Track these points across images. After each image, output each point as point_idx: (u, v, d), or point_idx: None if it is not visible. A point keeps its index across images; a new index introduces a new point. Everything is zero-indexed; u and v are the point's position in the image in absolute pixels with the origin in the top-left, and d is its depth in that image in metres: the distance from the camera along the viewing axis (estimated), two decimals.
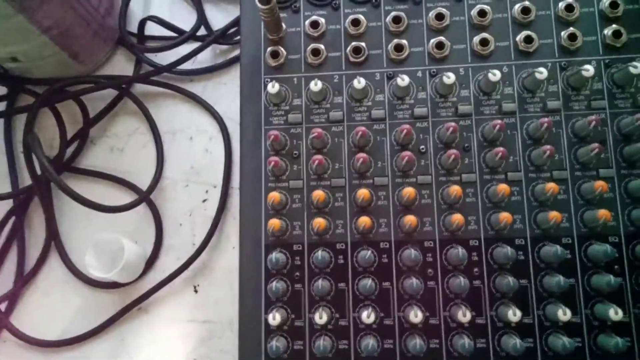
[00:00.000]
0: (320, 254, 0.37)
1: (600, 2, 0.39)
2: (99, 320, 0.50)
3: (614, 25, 0.39)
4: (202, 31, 0.57)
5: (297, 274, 0.38)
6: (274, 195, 0.38)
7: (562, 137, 0.38)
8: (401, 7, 0.41)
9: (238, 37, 0.55)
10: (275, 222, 0.37)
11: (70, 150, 0.55)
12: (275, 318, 0.36)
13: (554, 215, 0.35)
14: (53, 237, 0.52)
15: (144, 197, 0.52)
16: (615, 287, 0.34)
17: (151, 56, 0.56)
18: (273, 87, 0.39)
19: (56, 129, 0.55)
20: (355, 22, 0.41)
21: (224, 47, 0.57)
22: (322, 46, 0.41)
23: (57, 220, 0.53)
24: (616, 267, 0.36)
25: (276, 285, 0.37)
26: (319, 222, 0.37)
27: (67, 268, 0.52)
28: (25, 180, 0.54)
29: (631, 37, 0.39)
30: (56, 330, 0.51)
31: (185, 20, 0.58)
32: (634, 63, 0.36)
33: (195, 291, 0.51)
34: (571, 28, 0.39)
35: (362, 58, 0.40)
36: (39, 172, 0.53)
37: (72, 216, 0.54)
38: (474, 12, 0.40)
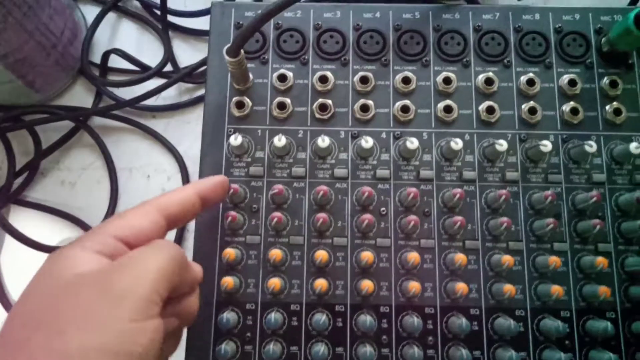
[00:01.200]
0: (273, 316, 0.36)
1: (559, 79, 0.41)
2: None
3: (572, 102, 0.40)
4: (168, 67, 0.56)
5: (249, 334, 0.37)
6: (230, 252, 0.36)
7: (519, 209, 0.39)
8: (369, 68, 0.41)
9: (205, 78, 0.54)
10: (229, 281, 0.36)
11: (18, 182, 0.52)
12: None
13: (508, 288, 0.35)
14: None
15: None
16: None
17: (113, 89, 0.55)
18: (235, 140, 0.38)
19: (5, 159, 0.52)
20: (323, 79, 0.41)
21: (190, 85, 0.56)
22: (288, 100, 0.40)
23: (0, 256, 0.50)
24: (567, 342, 0.37)
25: (225, 347, 0.35)
26: (274, 282, 0.36)
27: (4, 309, 0.49)
28: None
29: (587, 115, 0.40)
30: None
31: (153, 53, 0.57)
32: (589, 142, 0.37)
33: None
34: (532, 102, 0.40)
35: (328, 115, 0.40)
36: None
37: (16, 255, 0.51)
38: (439, 78, 0.40)
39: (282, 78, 0.41)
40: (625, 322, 0.37)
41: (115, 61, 0.56)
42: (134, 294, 0.25)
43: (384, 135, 0.40)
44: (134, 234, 0.29)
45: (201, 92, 0.55)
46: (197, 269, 0.32)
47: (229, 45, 0.36)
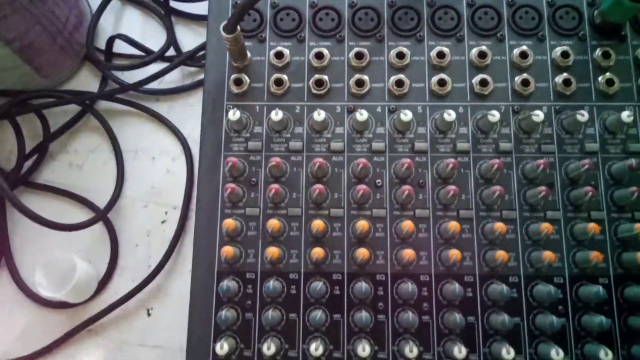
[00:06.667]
0: (272, 283, 0.37)
1: (552, 51, 0.41)
2: (46, 341, 0.49)
3: (564, 74, 0.40)
4: (171, 51, 0.57)
5: (249, 302, 0.38)
6: (229, 223, 0.38)
7: (512, 178, 0.39)
8: (364, 44, 0.42)
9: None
10: (228, 250, 0.37)
11: (28, 164, 0.54)
12: (222, 347, 0.36)
13: (500, 254, 0.36)
14: (3, 254, 0.51)
15: (101, 215, 0.51)
16: (558, 328, 0.35)
17: (118, 73, 0.56)
18: (234, 115, 0.39)
19: (15, 142, 0.54)
20: (319, 55, 0.41)
21: (192, 68, 0.57)
22: (285, 76, 0.41)
23: (9, 236, 0.52)
24: (560, 307, 0.37)
25: (226, 313, 0.37)
26: (273, 251, 0.37)
27: (16, 285, 0.51)
28: None
29: (580, 86, 0.40)
30: None
31: (156, 38, 0.58)
32: (581, 112, 0.38)
33: (149, 315, 0.50)
34: (525, 74, 0.40)
35: (324, 91, 0.41)
36: None
37: (26, 232, 0.53)
38: (433, 53, 0.41)
39: (279, 55, 0.42)
40: (618, 287, 0.37)
41: (120, 47, 0.58)
42: None
43: (379, 109, 0.41)
44: None
45: (203, 75, 0.57)
46: None
47: (225, 22, 0.37)
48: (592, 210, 0.39)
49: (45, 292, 0.46)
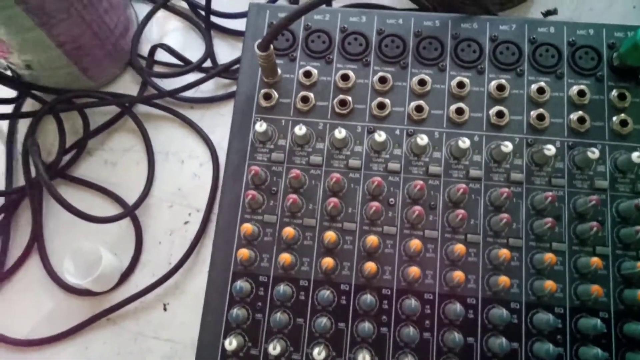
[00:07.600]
0: (282, 288, 0.39)
1: (569, 89, 0.43)
2: (67, 325, 0.52)
3: (580, 112, 0.42)
4: (208, 63, 0.60)
5: (259, 304, 0.40)
6: (247, 227, 0.40)
7: (521, 208, 0.41)
8: (388, 69, 0.44)
9: None
10: (244, 252, 0.40)
11: (67, 158, 0.58)
12: (231, 343, 0.38)
13: (503, 280, 0.37)
14: (36, 239, 0.54)
15: (129, 211, 0.54)
16: (554, 357, 0.36)
17: (157, 80, 0.60)
18: (260, 127, 0.42)
19: (57, 136, 0.58)
20: (345, 77, 0.44)
21: (227, 80, 0.61)
22: (311, 94, 0.44)
23: (43, 223, 0.56)
24: (559, 337, 0.38)
25: (237, 312, 0.39)
26: (285, 257, 0.39)
27: (45, 270, 0.54)
28: (20, 180, 0.57)
29: (594, 125, 0.42)
30: (23, 329, 0.52)
31: (195, 50, 0.62)
32: (592, 149, 0.39)
33: (165, 309, 0.53)
34: (541, 109, 0.42)
35: (347, 110, 0.43)
36: (33, 175, 0.55)
37: (59, 221, 0.56)
38: (453, 82, 0.43)
39: (307, 74, 0.44)
40: (617, 323, 0.38)
41: (161, 55, 0.61)
42: None
43: (397, 132, 0.43)
44: None
45: (236, 88, 0.60)
46: None
47: (260, 40, 0.40)
48: (597, 245, 0.40)
49: (71, 279, 0.50)
